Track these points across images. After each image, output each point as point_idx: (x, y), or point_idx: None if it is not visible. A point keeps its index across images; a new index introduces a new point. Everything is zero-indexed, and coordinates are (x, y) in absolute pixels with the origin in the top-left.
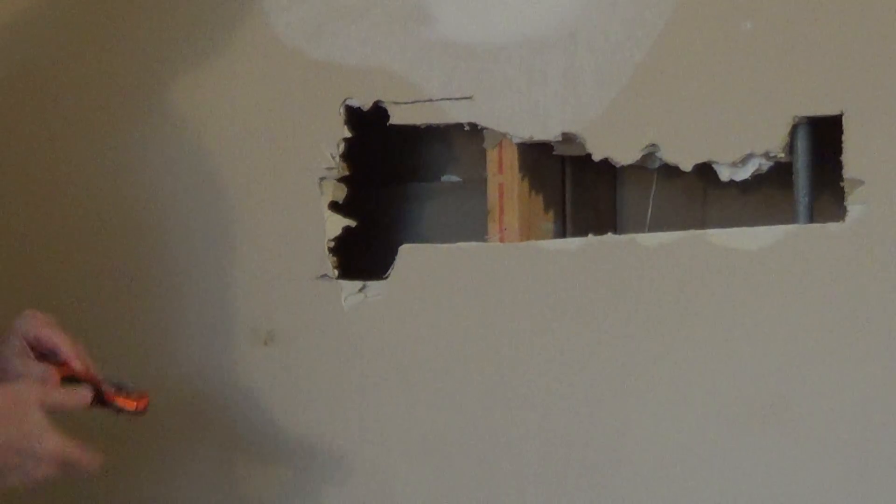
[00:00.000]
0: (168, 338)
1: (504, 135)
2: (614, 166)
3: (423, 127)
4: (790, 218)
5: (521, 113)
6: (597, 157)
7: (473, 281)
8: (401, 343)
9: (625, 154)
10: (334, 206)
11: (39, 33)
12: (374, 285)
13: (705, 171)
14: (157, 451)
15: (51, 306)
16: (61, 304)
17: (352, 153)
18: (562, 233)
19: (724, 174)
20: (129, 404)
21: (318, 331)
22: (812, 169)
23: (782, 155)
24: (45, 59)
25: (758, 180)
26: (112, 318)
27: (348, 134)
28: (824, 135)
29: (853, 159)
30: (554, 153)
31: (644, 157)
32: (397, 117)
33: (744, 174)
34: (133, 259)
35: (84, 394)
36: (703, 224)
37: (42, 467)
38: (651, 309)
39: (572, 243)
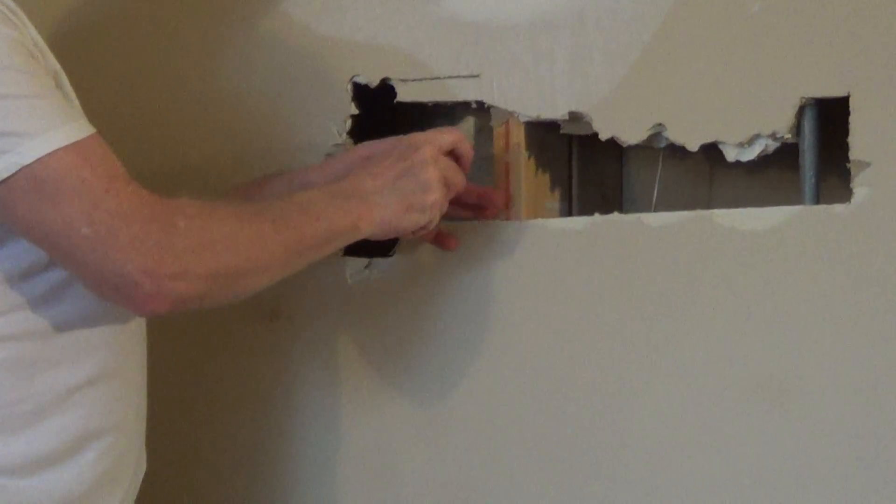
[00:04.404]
0: (172, 314)
1: (511, 113)
2: (621, 146)
3: (430, 104)
4: (796, 199)
5: (529, 91)
6: (603, 137)
7: (478, 259)
8: (405, 321)
9: (631, 133)
10: None
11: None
12: (379, 262)
13: (712, 151)
14: (160, 429)
15: None
16: None
17: (359, 130)
18: (567, 212)
19: (731, 155)
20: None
21: (323, 307)
22: (818, 150)
23: (789, 136)
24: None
25: (764, 161)
26: None
27: (355, 111)
28: (831, 116)
29: (859, 141)
30: (561, 132)
31: (651, 136)
32: (405, 94)
33: (750, 155)
34: None
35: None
36: (708, 204)
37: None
38: (656, 288)
39: (578, 222)
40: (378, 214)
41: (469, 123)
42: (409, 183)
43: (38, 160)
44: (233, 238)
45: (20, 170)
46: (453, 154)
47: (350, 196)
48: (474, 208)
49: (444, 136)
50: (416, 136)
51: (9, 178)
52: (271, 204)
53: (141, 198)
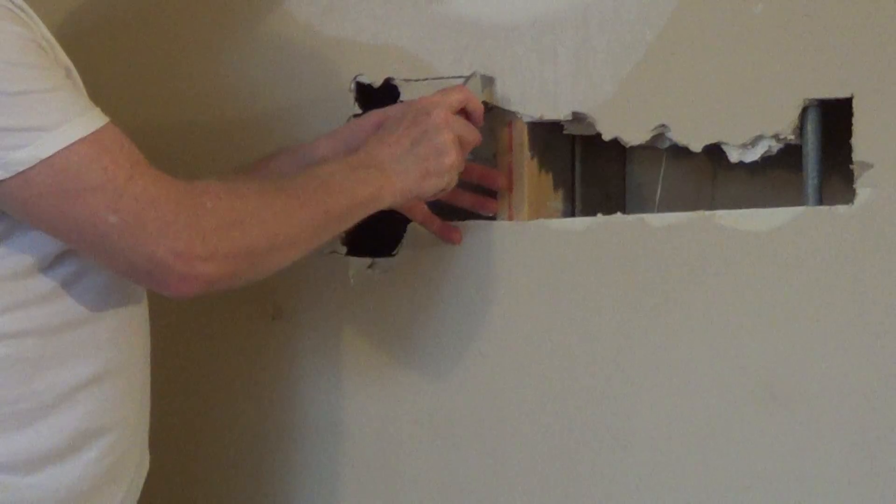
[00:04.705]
0: (174, 312)
1: (514, 113)
2: (624, 146)
3: None
4: (799, 200)
5: (532, 92)
6: (607, 137)
7: (481, 259)
8: (407, 321)
9: (635, 134)
10: None
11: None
12: (382, 262)
13: (715, 152)
14: (162, 428)
15: None
16: None
17: None
18: (570, 212)
19: (734, 155)
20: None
21: (326, 307)
22: (821, 151)
23: (792, 137)
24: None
25: (767, 162)
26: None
27: (359, 111)
28: (834, 118)
29: (862, 142)
30: (564, 132)
31: (654, 137)
32: (408, 94)
33: (753, 156)
34: None
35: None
36: (711, 205)
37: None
38: (658, 288)
39: (581, 223)
40: (398, 183)
41: (476, 79)
42: (425, 148)
43: (58, 153)
44: (260, 215)
45: (39, 163)
46: (463, 112)
47: (369, 166)
48: (474, 198)
49: (453, 96)
50: (426, 100)
51: (27, 171)
52: (293, 179)
53: (165, 181)
